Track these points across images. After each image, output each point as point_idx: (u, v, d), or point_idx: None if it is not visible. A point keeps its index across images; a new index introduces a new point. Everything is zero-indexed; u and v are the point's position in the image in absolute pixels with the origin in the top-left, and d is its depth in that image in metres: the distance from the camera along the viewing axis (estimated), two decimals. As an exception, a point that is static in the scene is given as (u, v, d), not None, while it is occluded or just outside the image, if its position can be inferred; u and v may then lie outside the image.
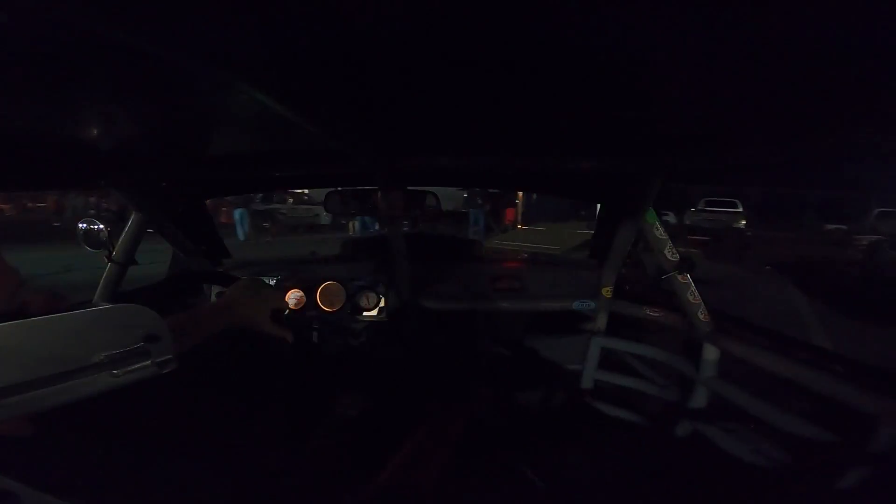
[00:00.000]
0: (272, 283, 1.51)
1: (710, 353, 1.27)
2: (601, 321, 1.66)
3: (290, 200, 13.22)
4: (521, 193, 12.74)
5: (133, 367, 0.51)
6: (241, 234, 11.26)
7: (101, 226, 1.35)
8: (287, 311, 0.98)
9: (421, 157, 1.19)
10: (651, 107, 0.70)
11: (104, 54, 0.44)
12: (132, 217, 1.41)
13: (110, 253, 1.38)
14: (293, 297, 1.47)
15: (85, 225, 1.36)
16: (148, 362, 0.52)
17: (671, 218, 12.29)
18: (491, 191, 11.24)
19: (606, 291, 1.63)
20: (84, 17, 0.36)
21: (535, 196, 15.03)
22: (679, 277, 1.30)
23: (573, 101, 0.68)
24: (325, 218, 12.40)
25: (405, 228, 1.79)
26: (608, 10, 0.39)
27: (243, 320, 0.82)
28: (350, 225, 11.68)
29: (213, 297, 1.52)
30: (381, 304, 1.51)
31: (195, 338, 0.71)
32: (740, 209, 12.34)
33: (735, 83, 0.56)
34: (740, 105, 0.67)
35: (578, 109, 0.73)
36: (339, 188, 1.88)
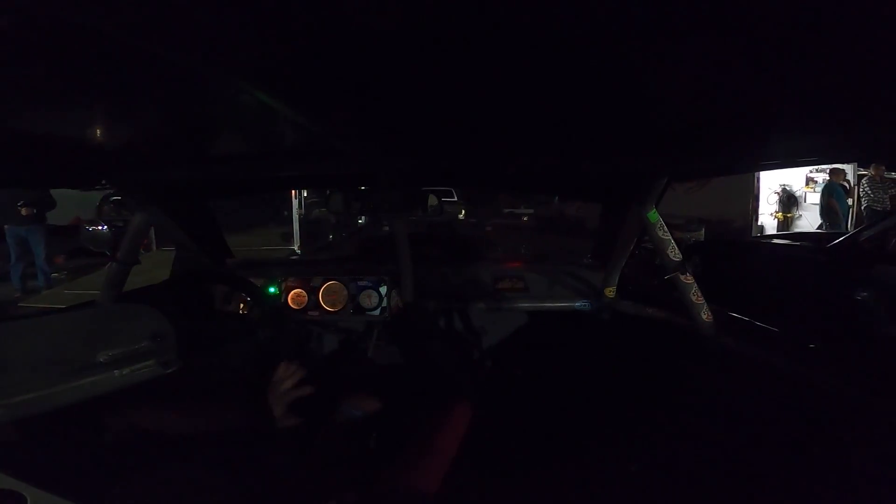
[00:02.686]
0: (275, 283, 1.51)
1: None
2: (604, 321, 1.65)
3: None
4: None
5: (137, 367, 0.51)
6: None
7: (105, 227, 1.36)
8: (282, 305, 0.99)
9: (421, 158, 1.19)
10: (653, 106, 0.70)
11: (106, 53, 0.44)
12: (135, 217, 1.42)
13: (113, 253, 1.39)
14: (295, 297, 1.48)
15: (89, 226, 1.37)
16: (151, 362, 0.52)
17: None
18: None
19: (609, 291, 1.63)
20: (85, 17, 0.36)
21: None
22: (682, 277, 1.30)
23: (575, 101, 0.68)
24: None
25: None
26: (609, 9, 0.39)
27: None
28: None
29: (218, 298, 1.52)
30: (383, 303, 1.52)
31: None
32: (455, 198, 11.11)
33: (736, 82, 0.56)
34: (741, 104, 0.66)
35: (580, 109, 0.73)
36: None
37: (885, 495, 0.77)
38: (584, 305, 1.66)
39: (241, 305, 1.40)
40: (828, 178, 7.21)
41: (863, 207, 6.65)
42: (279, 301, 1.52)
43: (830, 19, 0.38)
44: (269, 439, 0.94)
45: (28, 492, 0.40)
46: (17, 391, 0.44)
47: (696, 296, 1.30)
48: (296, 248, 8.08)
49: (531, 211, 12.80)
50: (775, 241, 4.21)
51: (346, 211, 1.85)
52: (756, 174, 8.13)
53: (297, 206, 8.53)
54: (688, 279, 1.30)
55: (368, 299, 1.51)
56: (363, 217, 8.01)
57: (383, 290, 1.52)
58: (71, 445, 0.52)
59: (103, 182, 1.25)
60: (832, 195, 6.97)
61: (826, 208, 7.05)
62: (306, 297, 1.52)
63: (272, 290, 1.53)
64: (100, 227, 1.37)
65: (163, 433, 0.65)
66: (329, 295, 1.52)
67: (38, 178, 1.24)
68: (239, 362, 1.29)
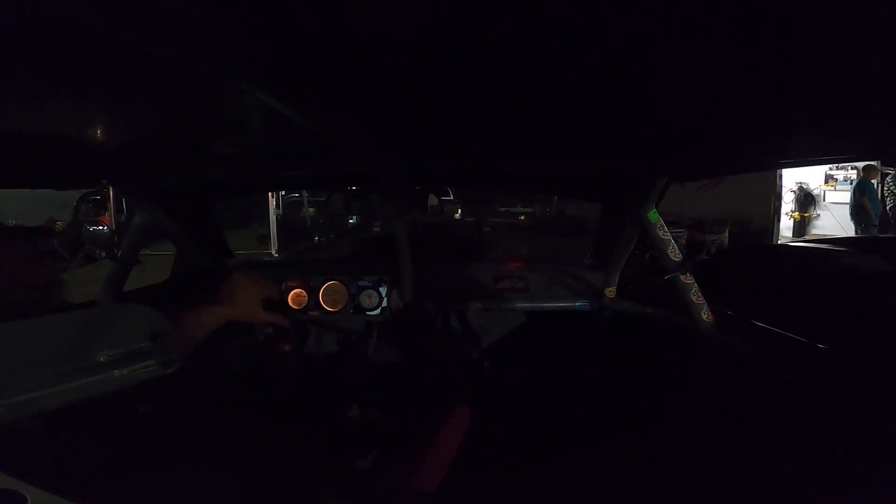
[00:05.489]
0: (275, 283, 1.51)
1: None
2: (604, 321, 1.65)
3: None
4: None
5: (137, 367, 0.51)
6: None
7: (105, 227, 1.36)
8: (281, 300, 1.00)
9: (423, 157, 1.19)
10: (653, 106, 0.70)
11: (106, 53, 0.44)
12: (135, 216, 1.42)
13: (114, 253, 1.39)
14: (296, 297, 1.47)
15: (90, 226, 1.38)
16: (151, 362, 0.52)
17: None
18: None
19: (609, 292, 1.63)
20: (85, 17, 0.36)
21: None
22: (682, 277, 1.30)
23: (576, 101, 0.68)
24: None
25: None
26: (611, 10, 0.39)
27: (240, 314, 0.85)
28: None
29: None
30: (383, 303, 1.52)
31: (195, 337, 0.72)
32: (452, 197, 10.49)
33: (736, 82, 0.56)
34: (741, 104, 0.66)
35: (581, 109, 0.73)
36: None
37: (886, 495, 0.77)
38: (584, 305, 1.66)
39: None
40: (857, 175, 6.63)
41: (888, 207, 6.16)
42: (279, 301, 1.52)
43: (843, 14, 0.38)
44: (269, 439, 0.94)
45: (28, 492, 0.40)
46: (17, 391, 0.44)
47: (696, 296, 1.30)
48: (273, 251, 7.39)
49: (528, 209, 12.75)
50: (835, 248, 2.82)
51: (339, 210, 1.85)
52: (779, 171, 7.57)
53: (273, 207, 7.74)
54: (688, 279, 1.30)
55: (368, 299, 1.51)
56: (354, 217, 7.57)
57: (383, 290, 1.52)
58: (71, 445, 0.52)
59: (104, 182, 1.26)
60: (865, 194, 6.29)
61: (857, 208, 6.38)
62: (306, 297, 1.52)
63: None
64: (99, 228, 1.37)
65: (163, 433, 0.66)
66: (329, 295, 1.52)
67: (38, 178, 1.24)
68: (239, 362, 1.29)
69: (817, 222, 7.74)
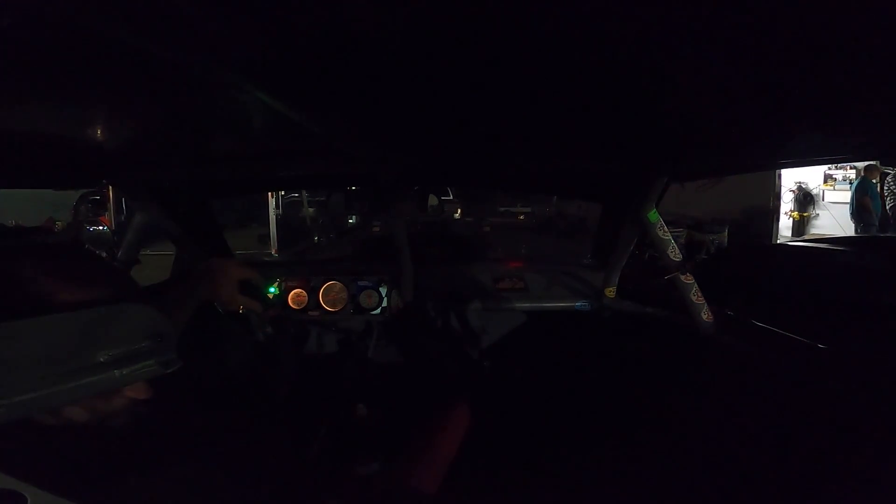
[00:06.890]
0: (275, 284, 1.51)
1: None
2: (604, 321, 1.65)
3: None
4: None
5: (137, 367, 0.51)
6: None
7: (105, 227, 1.37)
8: (254, 280, 1.02)
9: (422, 157, 1.19)
10: (654, 105, 0.70)
11: (106, 53, 0.44)
12: (135, 216, 1.42)
13: (114, 253, 1.39)
14: (296, 297, 1.47)
15: (91, 227, 1.38)
16: (151, 361, 0.52)
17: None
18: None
19: (609, 292, 1.63)
20: (86, 17, 0.36)
21: None
22: (682, 277, 1.30)
23: (576, 100, 0.68)
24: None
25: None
26: (612, 10, 0.39)
27: (213, 297, 0.87)
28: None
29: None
30: (383, 303, 1.52)
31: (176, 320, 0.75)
32: (452, 197, 10.47)
33: (736, 82, 0.56)
34: (742, 104, 0.66)
35: (581, 108, 0.73)
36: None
37: (886, 495, 0.77)
38: (584, 305, 1.66)
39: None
40: (856, 175, 6.67)
41: (888, 207, 6.17)
42: (279, 301, 1.52)
43: (842, 14, 0.38)
44: (269, 439, 0.94)
45: (28, 492, 0.40)
46: (17, 391, 0.44)
47: (696, 296, 1.30)
48: (273, 251, 7.50)
49: (528, 209, 12.75)
50: (834, 247, 2.47)
51: (342, 211, 1.86)
52: (778, 171, 7.55)
53: (273, 207, 7.86)
54: (688, 279, 1.30)
55: (368, 299, 1.51)
56: (353, 217, 7.63)
57: (383, 290, 1.52)
58: (71, 445, 0.52)
59: (104, 182, 1.26)
60: (867, 193, 6.27)
61: (859, 207, 6.37)
62: (306, 297, 1.52)
63: (272, 290, 1.53)
64: (100, 228, 1.37)
65: (163, 433, 0.66)
66: (329, 295, 1.52)
67: (38, 178, 1.24)
68: (239, 362, 1.29)
69: (816, 222, 7.77)
